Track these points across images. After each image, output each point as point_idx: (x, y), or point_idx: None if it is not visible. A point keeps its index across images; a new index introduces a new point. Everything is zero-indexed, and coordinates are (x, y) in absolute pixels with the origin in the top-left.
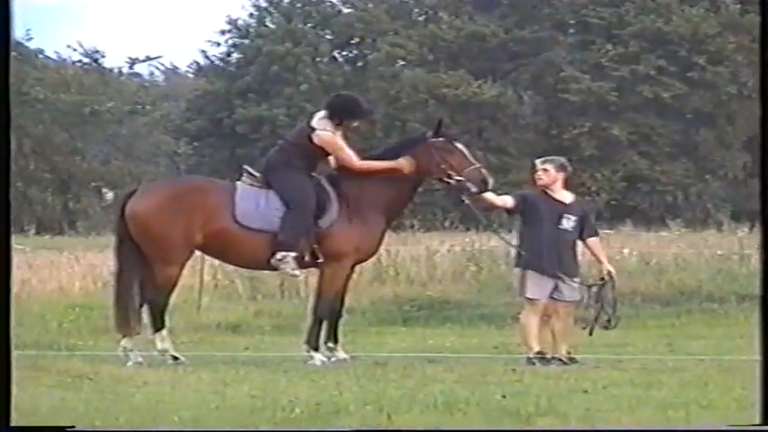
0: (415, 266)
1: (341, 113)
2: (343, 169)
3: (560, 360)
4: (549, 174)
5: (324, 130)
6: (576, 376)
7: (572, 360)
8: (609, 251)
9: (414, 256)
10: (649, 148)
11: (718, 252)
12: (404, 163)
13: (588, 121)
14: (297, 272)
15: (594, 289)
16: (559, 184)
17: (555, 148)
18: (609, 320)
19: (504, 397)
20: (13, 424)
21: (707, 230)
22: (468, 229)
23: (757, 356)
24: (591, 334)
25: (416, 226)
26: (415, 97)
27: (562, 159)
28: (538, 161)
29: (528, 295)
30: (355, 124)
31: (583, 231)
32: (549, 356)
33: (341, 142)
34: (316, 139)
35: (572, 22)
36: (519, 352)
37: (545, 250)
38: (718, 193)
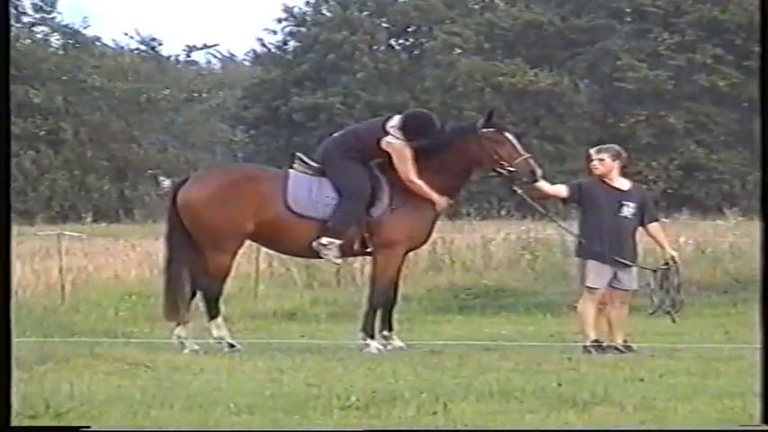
0: (471, 255)
1: (415, 133)
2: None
3: (616, 349)
4: (605, 163)
5: (396, 138)
6: (633, 365)
7: (628, 348)
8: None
9: (469, 245)
10: (706, 136)
11: None
12: (442, 203)
13: (645, 109)
14: (338, 260)
15: (659, 274)
16: (616, 171)
17: (611, 137)
18: (673, 305)
19: (559, 385)
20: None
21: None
22: (524, 218)
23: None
24: (671, 317)
25: (472, 214)
26: (472, 85)
27: (617, 147)
28: (592, 150)
29: (588, 284)
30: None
31: (644, 217)
32: (605, 345)
33: (408, 154)
34: (384, 144)
35: (628, 10)
36: (575, 340)
37: (606, 238)
38: None
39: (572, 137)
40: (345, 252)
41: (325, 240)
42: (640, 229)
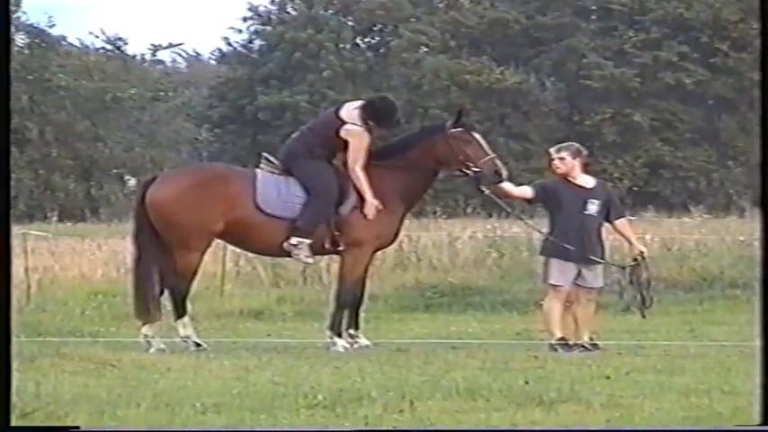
0: (437, 253)
1: (377, 119)
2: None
3: (583, 347)
4: (566, 161)
5: (355, 124)
6: (599, 363)
7: (594, 346)
8: None
9: (436, 243)
10: (671, 134)
11: (740, 238)
12: (372, 205)
13: (610, 107)
14: (310, 259)
15: (628, 270)
16: (578, 169)
17: (577, 135)
18: (643, 301)
19: (526, 383)
20: (13, 422)
21: (729, 216)
22: (489, 216)
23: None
24: (641, 313)
25: (438, 212)
26: (437, 84)
27: (576, 145)
28: (552, 150)
29: (552, 281)
30: (382, 132)
31: (609, 214)
32: (571, 343)
33: (365, 143)
34: (344, 132)
35: (594, 8)
36: (541, 338)
37: (572, 237)
38: (740, 180)
39: (538, 135)
40: (316, 251)
41: (294, 240)
42: (608, 226)
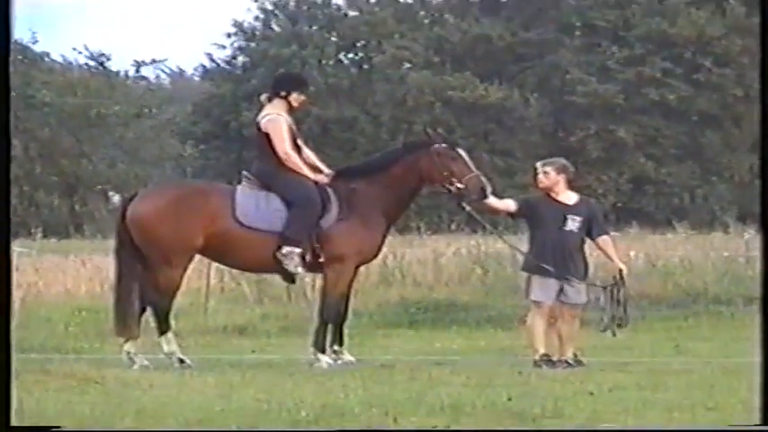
0: (422, 269)
1: (287, 86)
2: (341, 172)
3: (567, 363)
4: (550, 176)
5: (268, 114)
6: (582, 379)
7: (579, 363)
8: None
9: (420, 259)
10: (655, 150)
11: (725, 254)
12: (321, 177)
13: (594, 123)
14: (300, 269)
15: (608, 290)
16: (562, 185)
17: (561, 151)
18: (620, 320)
19: (510, 399)
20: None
21: (713, 233)
22: (474, 232)
23: (758, 358)
24: (613, 332)
25: (422, 228)
26: (421, 100)
27: (562, 160)
28: (538, 164)
29: (533, 298)
30: (302, 98)
31: (591, 231)
32: (555, 359)
33: (281, 126)
34: (263, 126)
35: (578, 24)
36: (525, 354)
37: (549, 253)
38: (724, 196)
39: (522, 151)
40: (302, 264)
41: (285, 250)
42: (592, 242)
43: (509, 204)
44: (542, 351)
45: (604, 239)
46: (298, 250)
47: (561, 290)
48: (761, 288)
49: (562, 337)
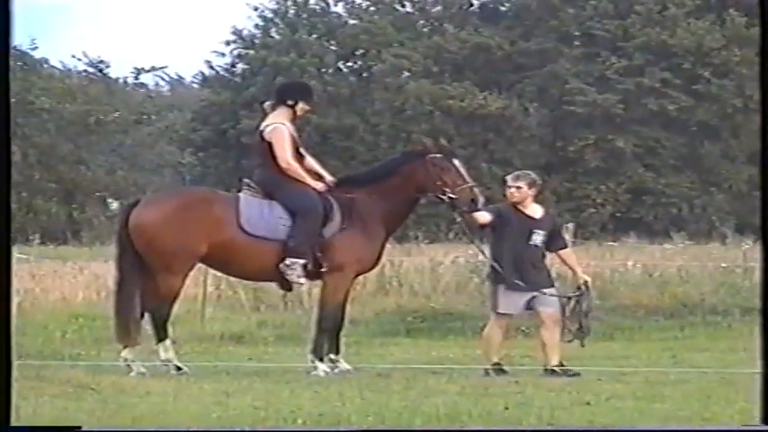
0: (419, 278)
1: (291, 96)
2: (342, 181)
3: (553, 371)
4: (522, 190)
5: (272, 123)
6: (579, 388)
7: (565, 371)
8: (613, 263)
9: (417, 268)
10: (654, 160)
11: (722, 265)
12: (320, 186)
13: (593, 133)
14: (302, 280)
15: (573, 300)
16: (530, 199)
17: (560, 160)
18: (584, 330)
19: (506, 409)
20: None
21: (711, 243)
22: (471, 241)
23: (758, 369)
24: (582, 345)
25: (420, 237)
26: (420, 109)
27: (533, 175)
28: (509, 177)
29: (500, 310)
30: (307, 108)
31: (552, 244)
32: (507, 369)
33: (284, 135)
34: (266, 135)
35: (577, 34)
36: (522, 364)
37: (517, 265)
38: (722, 206)
39: (521, 160)
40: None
41: (288, 261)
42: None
43: (485, 216)
44: (495, 359)
45: (566, 252)
46: (302, 261)
47: (530, 301)
48: (760, 299)
49: (545, 345)
